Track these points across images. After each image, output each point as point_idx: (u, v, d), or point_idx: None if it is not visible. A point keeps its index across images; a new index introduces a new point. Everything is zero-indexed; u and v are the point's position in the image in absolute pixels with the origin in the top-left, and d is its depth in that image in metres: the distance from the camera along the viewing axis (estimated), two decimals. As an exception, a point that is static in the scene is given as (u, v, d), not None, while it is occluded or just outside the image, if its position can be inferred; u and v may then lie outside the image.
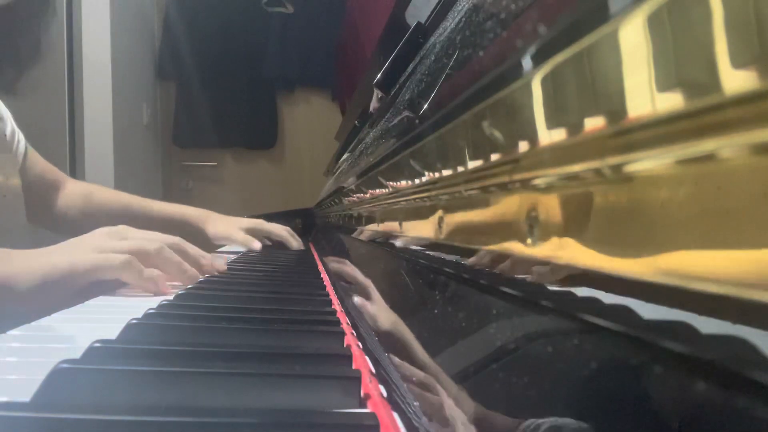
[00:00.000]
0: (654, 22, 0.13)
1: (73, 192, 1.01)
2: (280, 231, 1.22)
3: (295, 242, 1.22)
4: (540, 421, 0.17)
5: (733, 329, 0.12)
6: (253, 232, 1.14)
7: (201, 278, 0.64)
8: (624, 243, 0.15)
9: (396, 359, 0.31)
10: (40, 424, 0.21)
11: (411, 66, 0.54)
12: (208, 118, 2.90)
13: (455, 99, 0.29)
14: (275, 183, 3.09)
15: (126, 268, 0.55)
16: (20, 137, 0.89)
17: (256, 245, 1.09)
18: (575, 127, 0.18)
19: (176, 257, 0.61)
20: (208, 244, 1.07)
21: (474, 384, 0.23)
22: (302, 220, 2.07)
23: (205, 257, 0.68)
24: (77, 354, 0.29)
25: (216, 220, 1.12)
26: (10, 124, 0.87)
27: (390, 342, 0.35)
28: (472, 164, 0.28)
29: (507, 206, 0.24)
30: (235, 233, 1.11)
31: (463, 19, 0.33)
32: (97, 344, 0.30)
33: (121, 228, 0.61)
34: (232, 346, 0.32)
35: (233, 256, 1.06)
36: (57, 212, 0.99)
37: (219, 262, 0.71)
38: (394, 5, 0.70)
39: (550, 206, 0.20)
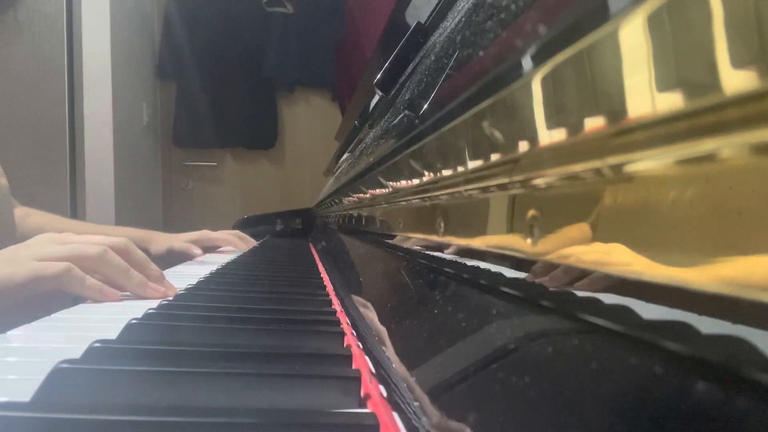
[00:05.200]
0: (654, 22, 0.13)
1: (16, 216, 1.01)
2: (227, 238, 1.27)
3: (244, 244, 1.27)
4: None
5: (733, 329, 0.12)
6: (197, 243, 1.19)
7: (148, 286, 0.58)
8: (623, 243, 0.15)
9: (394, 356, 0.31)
10: (40, 424, 0.21)
11: (411, 66, 0.54)
12: (208, 118, 2.90)
13: (455, 99, 0.29)
14: (275, 183, 3.09)
15: (66, 277, 0.51)
16: None
17: (196, 251, 1.13)
18: (575, 127, 0.18)
19: (121, 262, 0.56)
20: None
21: (475, 384, 0.23)
22: (302, 220, 2.07)
23: (154, 267, 0.61)
24: (77, 354, 0.29)
25: (158, 238, 1.16)
26: None
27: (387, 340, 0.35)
28: (472, 164, 0.28)
29: (507, 206, 0.24)
30: (174, 242, 1.15)
31: (463, 19, 0.33)
32: (97, 344, 0.30)
33: (64, 234, 0.57)
34: (232, 346, 0.32)
35: (233, 256, 1.06)
36: None
37: (168, 282, 0.61)
38: (394, 5, 0.70)
39: (550, 206, 0.20)
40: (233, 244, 1.26)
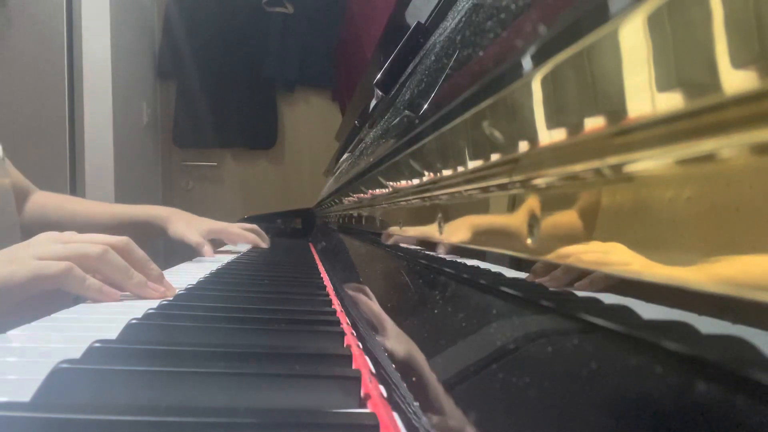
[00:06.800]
0: (654, 22, 0.13)
1: (34, 202, 1.00)
2: (246, 235, 1.22)
3: (263, 244, 1.25)
4: None
5: (733, 329, 0.12)
6: (214, 236, 1.13)
7: (148, 286, 0.58)
8: (623, 242, 0.15)
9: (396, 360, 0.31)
10: (40, 424, 0.21)
11: (411, 66, 0.54)
12: (208, 118, 2.90)
13: (455, 99, 0.29)
14: (275, 183, 3.09)
15: (66, 276, 0.51)
16: None
17: (207, 252, 1.05)
18: (575, 127, 0.18)
19: (121, 261, 0.56)
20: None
21: (474, 385, 0.23)
22: (302, 220, 2.07)
23: (154, 267, 0.60)
24: (77, 354, 0.29)
25: (179, 219, 1.09)
26: None
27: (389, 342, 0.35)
28: (472, 164, 0.28)
29: (507, 206, 0.24)
30: (190, 235, 1.06)
31: (463, 19, 0.33)
32: (97, 344, 0.30)
33: (65, 233, 0.57)
34: (232, 346, 0.32)
35: (233, 256, 1.06)
36: (21, 221, 0.95)
37: (168, 282, 0.61)
38: (394, 5, 0.70)
39: (550, 206, 0.20)
40: (253, 243, 1.23)
